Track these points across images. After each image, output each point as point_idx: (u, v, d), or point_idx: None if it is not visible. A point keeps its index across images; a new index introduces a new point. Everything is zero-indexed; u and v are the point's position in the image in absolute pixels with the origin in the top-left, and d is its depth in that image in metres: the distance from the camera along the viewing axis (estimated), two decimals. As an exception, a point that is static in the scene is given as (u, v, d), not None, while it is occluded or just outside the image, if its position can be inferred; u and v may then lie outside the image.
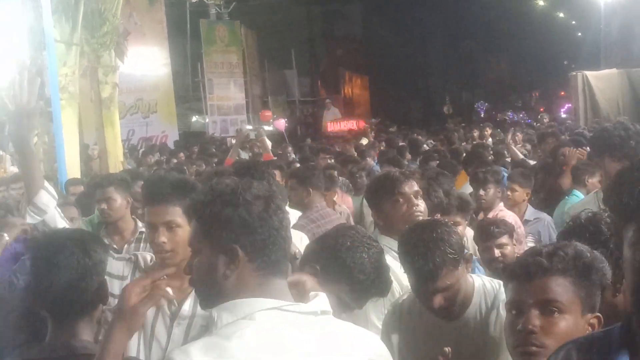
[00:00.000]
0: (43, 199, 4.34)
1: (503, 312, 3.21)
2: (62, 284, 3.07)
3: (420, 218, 4.48)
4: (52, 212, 4.39)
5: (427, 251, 3.42)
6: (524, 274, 2.63)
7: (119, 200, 6.43)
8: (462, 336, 3.58)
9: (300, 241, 5.65)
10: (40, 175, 4.50)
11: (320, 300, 2.48)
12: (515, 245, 5.70)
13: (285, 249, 2.44)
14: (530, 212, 7.85)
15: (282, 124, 25.59)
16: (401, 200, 4.50)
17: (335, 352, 2.36)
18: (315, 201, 7.14)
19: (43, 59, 12.35)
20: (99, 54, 14.56)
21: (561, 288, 2.60)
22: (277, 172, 8.30)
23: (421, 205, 4.56)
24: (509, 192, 7.83)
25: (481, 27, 57.96)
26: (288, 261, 2.49)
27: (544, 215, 7.78)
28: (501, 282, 3.36)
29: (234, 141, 24.25)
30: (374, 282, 3.15)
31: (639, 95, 23.57)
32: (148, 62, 24.42)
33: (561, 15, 51.88)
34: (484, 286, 3.69)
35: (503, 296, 3.33)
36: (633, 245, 1.96)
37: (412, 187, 4.57)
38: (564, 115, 28.62)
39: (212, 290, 2.41)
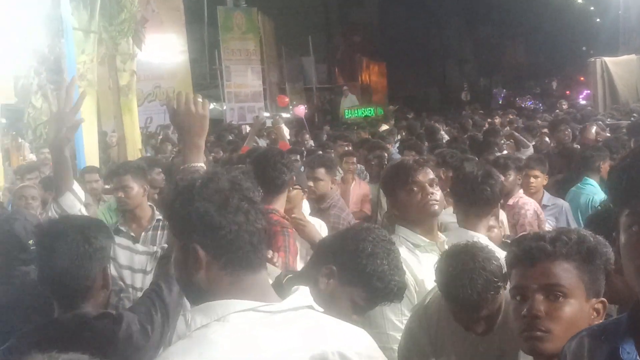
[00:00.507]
0: (68, 200, 4.41)
1: None
2: (62, 270, 3.15)
3: (436, 207, 4.44)
4: (76, 213, 4.39)
5: (470, 282, 3.37)
6: (528, 259, 2.64)
7: (136, 188, 6.40)
8: (491, 345, 3.55)
9: (320, 228, 5.65)
10: (70, 177, 4.55)
11: (301, 294, 2.41)
12: (501, 227, 5.71)
13: (255, 242, 2.33)
14: (547, 197, 7.84)
15: (301, 110, 25.52)
16: (415, 189, 4.42)
17: (322, 344, 2.30)
18: (334, 189, 7.20)
19: (61, 46, 12.37)
20: (117, 41, 14.54)
21: (565, 272, 2.60)
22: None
23: (437, 193, 4.48)
24: (531, 179, 7.80)
25: (498, 13, 57.66)
26: (262, 253, 2.39)
27: (561, 202, 7.77)
28: None
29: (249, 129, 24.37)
30: (391, 290, 3.11)
31: (658, 80, 23.49)
32: (166, 49, 24.47)
33: (579, 1, 51.53)
34: None
35: None
36: (627, 229, 2.02)
37: (427, 175, 4.49)
38: (583, 102, 28.45)
39: (189, 288, 2.37)
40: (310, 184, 6.89)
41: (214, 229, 2.26)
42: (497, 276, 3.39)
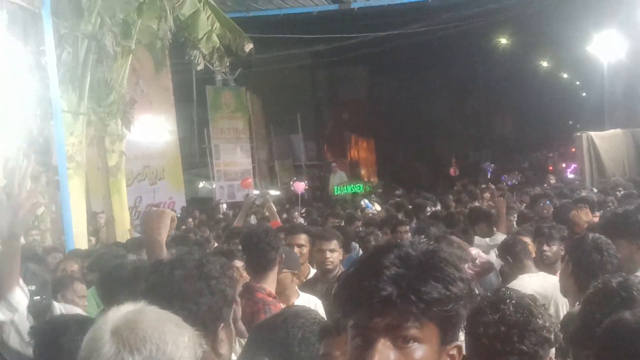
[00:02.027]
0: (16, 296, 4.17)
1: None
2: None
3: None
4: (22, 311, 4.21)
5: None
6: None
7: None
8: None
9: (314, 306, 5.63)
10: (18, 272, 4.25)
11: None
12: None
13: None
14: None
15: (301, 186, 25.48)
16: None
17: None
18: None
19: (50, 128, 12.47)
20: (106, 123, 14.67)
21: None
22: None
23: None
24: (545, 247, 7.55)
25: (486, 88, 58.33)
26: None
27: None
28: None
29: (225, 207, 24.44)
30: None
31: (644, 154, 23.63)
32: (155, 129, 24.59)
33: (565, 75, 52.22)
34: None
35: None
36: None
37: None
38: (571, 176, 28.61)
39: None
40: (327, 255, 7.01)
41: None
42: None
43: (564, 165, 38.91)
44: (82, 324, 3.23)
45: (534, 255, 7.24)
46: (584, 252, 5.07)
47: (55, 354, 3.14)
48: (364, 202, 18.77)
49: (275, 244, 5.58)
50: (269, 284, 5.36)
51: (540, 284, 6.34)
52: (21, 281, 4.27)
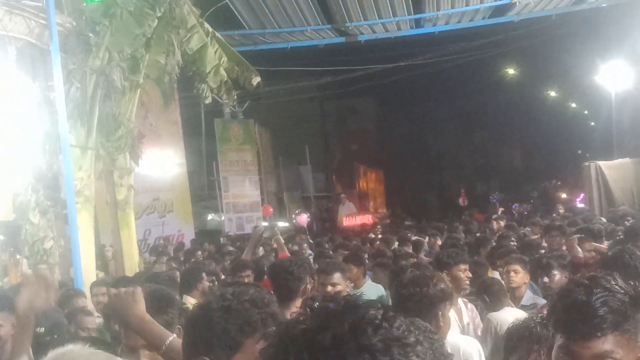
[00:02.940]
0: None
1: None
2: None
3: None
4: None
5: None
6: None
7: None
8: None
9: None
10: (29, 343, 4.37)
11: None
12: None
13: None
14: (528, 296, 7.78)
15: (304, 219, 25.56)
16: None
17: None
18: None
19: (59, 163, 12.53)
20: (114, 157, 14.69)
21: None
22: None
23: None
24: (512, 274, 7.74)
25: (494, 118, 58.42)
26: None
27: (542, 300, 7.69)
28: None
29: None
30: None
31: (653, 184, 23.62)
32: (164, 162, 24.66)
33: (573, 105, 52.24)
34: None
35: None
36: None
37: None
38: (580, 205, 28.56)
39: None
40: (329, 288, 7.01)
41: None
42: None
43: (561, 196, 38.88)
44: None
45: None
46: None
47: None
48: None
49: (299, 274, 5.79)
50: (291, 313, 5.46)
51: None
52: (30, 350, 4.35)
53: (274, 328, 2.33)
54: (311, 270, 6.22)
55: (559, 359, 2.40)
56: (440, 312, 4.51)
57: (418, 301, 4.50)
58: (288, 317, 5.39)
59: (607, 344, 2.19)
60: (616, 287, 2.43)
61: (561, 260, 7.49)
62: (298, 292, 5.76)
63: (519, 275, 7.79)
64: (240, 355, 2.63)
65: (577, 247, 9.50)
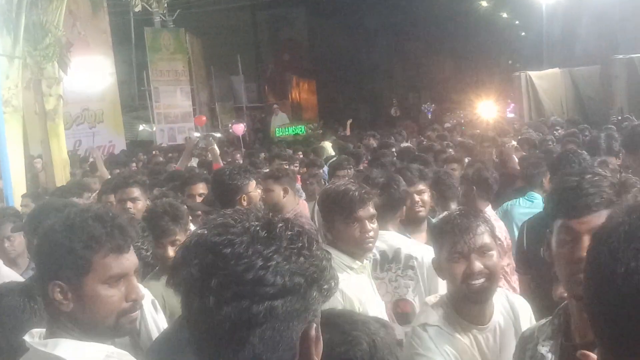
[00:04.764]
0: None
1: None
2: (8, 328, 3.10)
3: (371, 245, 4.50)
4: None
5: None
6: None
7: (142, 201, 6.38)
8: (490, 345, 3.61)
9: None
10: None
11: None
12: None
13: None
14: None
15: (240, 128, 25.32)
16: (355, 224, 4.40)
17: None
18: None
19: (-15, 72, 12.24)
20: (42, 66, 14.39)
21: None
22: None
23: (374, 229, 4.49)
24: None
25: (425, 28, 58.33)
26: None
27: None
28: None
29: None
30: None
31: (582, 93, 23.96)
32: (93, 71, 24.19)
33: (504, 15, 52.45)
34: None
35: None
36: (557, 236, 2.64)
37: (368, 211, 4.45)
38: (510, 115, 28.91)
39: None
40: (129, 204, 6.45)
41: None
42: None
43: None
44: (25, 288, 3.25)
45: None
46: None
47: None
48: None
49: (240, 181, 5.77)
50: None
51: None
52: None
53: None
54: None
55: (560, 241, 2.63)
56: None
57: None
58: None
59: (601, 219, 2.28)
60: (605, 172, 2.76)
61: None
62: (238, 200, 5.66)
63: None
64: (92, 275, 2.56)
65: (514, 157, 9.60)
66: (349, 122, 24.09)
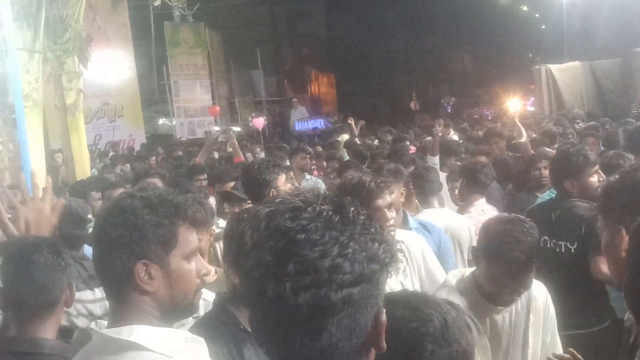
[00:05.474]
0: None
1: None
2: (35, 280, 3.14)
3: (393, 233, 4.47)
4: None
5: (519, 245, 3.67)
6: None
7: None
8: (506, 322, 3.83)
9: None
10: None
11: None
12: None
13: None
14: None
15: (260, 122, 25.29)
16: (377, 214, 4.28)
17: None
18: None
19: (5, 67, 12.25)
20: (62, 60, 14.43)
21: None
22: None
23: (394, 217, 4.51)
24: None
25: (445, 23, 58.10)
26: None
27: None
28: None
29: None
30: None
31: (602, 86, 23.82)
32: (113, 66, 24.27)
33: (524, 8, 52.14)
34: None
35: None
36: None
37: (386, 200, 4.44)
38: (530, 109, 28.80)
39: None
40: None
41: None
42: (535, 247, 3.72)
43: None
44: (52, 243, 3.27)
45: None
46: None
47: (23, 267, 3.17)
48: None
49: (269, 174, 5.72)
50: None
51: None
52: None
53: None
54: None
55: None
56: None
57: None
58: None
59: None
60: None
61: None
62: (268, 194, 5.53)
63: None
64: (176, 251, 2.48)
65: (531, 150, 9.54)
66: (361, 123, 24.39)
